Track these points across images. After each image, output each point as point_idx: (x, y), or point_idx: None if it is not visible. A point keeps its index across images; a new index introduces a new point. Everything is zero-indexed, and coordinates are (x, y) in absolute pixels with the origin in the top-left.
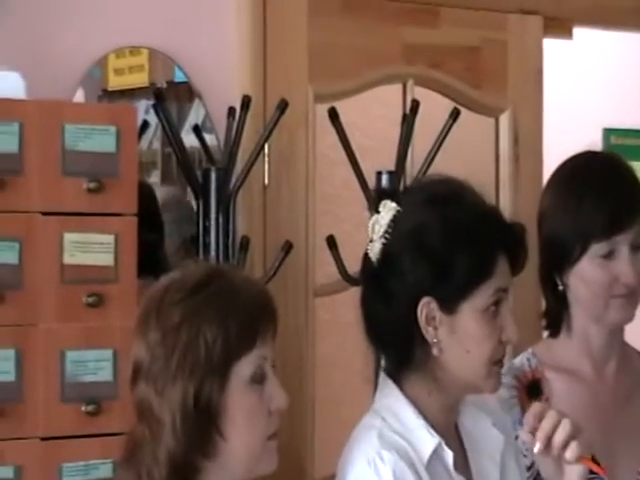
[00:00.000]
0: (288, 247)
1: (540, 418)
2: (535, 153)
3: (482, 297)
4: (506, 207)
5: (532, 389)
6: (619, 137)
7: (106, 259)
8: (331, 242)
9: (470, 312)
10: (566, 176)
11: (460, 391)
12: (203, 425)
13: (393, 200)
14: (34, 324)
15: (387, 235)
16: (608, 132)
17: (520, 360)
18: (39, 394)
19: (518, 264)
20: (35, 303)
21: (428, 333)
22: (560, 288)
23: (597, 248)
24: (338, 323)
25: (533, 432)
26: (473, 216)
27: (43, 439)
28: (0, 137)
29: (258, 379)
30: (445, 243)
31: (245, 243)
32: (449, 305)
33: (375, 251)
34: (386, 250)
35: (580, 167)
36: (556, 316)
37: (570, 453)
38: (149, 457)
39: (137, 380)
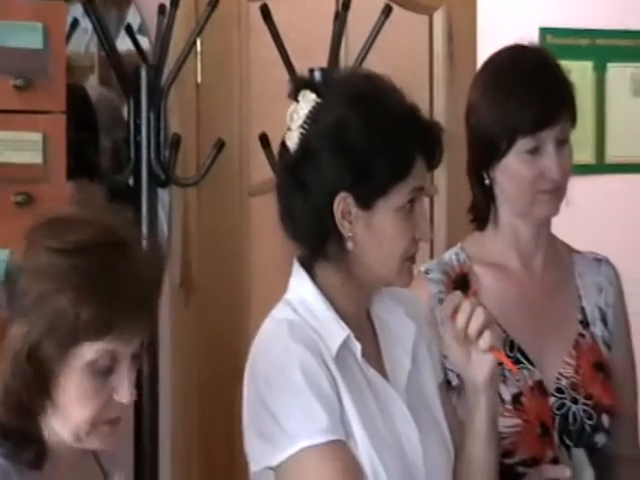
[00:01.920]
0: (220, 145)
1: (457, 307)
2: (469, 52)
3: (398, 196)
4: (440, 105)
5: (460, 283)
6: (556, 37)
7: (35, 157)
8: (264, 141)
9: (385, 209)
10: (494, 70)
11: (372, 284)
12: (32, 380)
13: (313, 91)
14: None
15: (305, 126)
16: (544, 31)
17: (449, 255)
18: None
19: (434, 162)
20: None
21: (343, 227)
22: (487, 182)
23: (523, 143)
24: (274, 222)
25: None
26: (394, 116)
27: None
28: None
29: (99, 369)
30: (365, 142)
31: (176, 141)
32: (365, 202)
33: (293, 141)
34: (304, 142)
35: (508, 62)
36: (482, 210)
37: (483, 342)
38: None
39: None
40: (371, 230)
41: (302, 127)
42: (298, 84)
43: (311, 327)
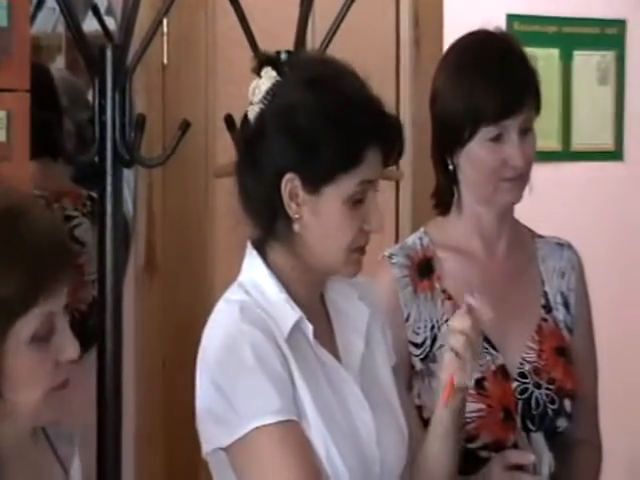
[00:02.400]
0: (185, 126)
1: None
2: (436, 37)
3: (346, 185)
4: (406, 90)
5: (423, 268)
6: (522, 24)
7: None
8: (230, 122)
9: (333, 198)
10: (458, 56)
11: (319, 271)
12: None
13: (274, 69)
14: None
15: (264, 101)
16: (511, 18)
17: (412, 239)
18: None
19: (392, 157)
20: None
21: (290, 208)
22: (450, 168)
23: (486, 131)
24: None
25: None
26: (347, 103)
27: None
28: None
29: (42, 336)
30: (312, 125)
31: (141, 121)
32: (312, 186)
33: (254, 115)
34: (259, 118)
35: (473, 47)
36: (446, 195)
37: (447, 368)
38: None
39: None
40: (317, 216)
41: (262, 102)
42: (262, 60)
43: (263, 309)
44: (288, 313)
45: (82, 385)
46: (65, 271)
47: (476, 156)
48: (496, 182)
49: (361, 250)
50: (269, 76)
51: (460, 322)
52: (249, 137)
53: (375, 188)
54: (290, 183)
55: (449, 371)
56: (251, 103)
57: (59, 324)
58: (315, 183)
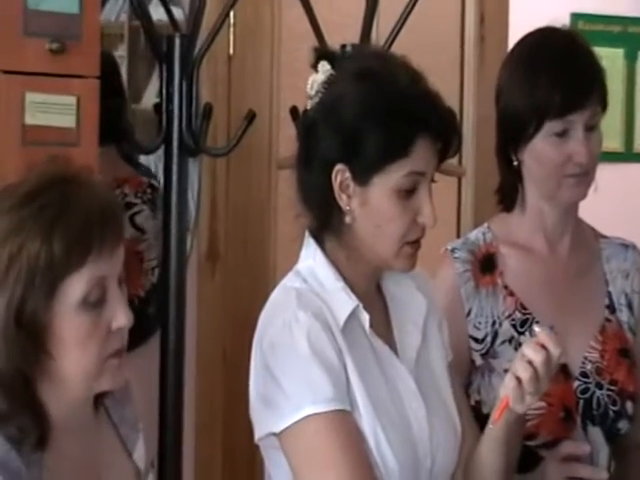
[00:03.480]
0: (251, 116)
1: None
2: (501, 35)
3: (394, 175)
4: (471, 87)
5: (485, 263)
6: (586, 23)
7: (68, 121)
8: (294, 113)
9: (382, 188)
10: (524, 52)
11: (374, 264)
12: (27, 344)
13: (329, 62)
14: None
15: (320, 95)
16: (576, 17)
17: (475, 235)
18: None
19: (447, 150)
20: None
21: (342, 200)
22: (515, 164)
23: (551, 126)
24: None
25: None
26: (395, 94)
27: None
28: None
29: (92, 302)
30: (359, 117)
31: (208, 110)
32: (361, 176)
33: (311, 107)
34: (312, 113)
35: (539, 43)
36: (510, 191)
37: (505, 388)
38: None
39: None
40: (367, 207)
41: (317, 96)
42: (318, 54)
43: (319, 297)
44: (345, 301)
45: (143, 372)
46: (114, 236)
47: (541, 151)
48: (560, 178)
49: (415, 244)
50: (325, 70)
51: (534, 353)
52: (304, 130)
53: (428, 181)
54: (340, 174)
55: (507, 392)
56: (309, 98)
57: (112, 291)
58: (364, 174)
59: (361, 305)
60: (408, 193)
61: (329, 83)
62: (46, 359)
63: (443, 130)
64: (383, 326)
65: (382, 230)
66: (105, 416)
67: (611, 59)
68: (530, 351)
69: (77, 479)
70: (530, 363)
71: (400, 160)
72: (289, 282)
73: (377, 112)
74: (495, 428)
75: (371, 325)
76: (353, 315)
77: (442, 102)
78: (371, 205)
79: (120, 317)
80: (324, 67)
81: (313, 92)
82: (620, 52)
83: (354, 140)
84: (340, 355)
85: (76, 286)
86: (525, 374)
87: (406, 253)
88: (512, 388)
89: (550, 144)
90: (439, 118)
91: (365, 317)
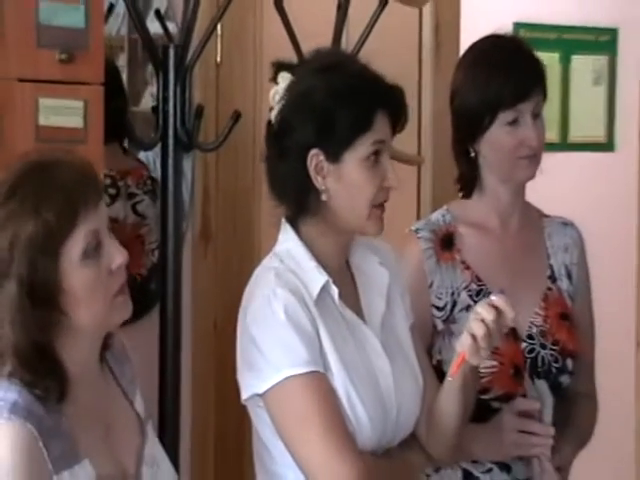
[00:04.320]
0: (237, 116)
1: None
2: (454, 41)
3: (362, 147)
4: (428, 88)
5: (446, 241)
6: (527, 31)
7: (77, 122)
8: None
9: (352, 161)
10: (476, 55)
11: (347, 231)
12: (43, 313)
13: (289, 72)
14: None
15: (282, 101)
16: (518, 26)
17: (436, 216)
18: None
19: (399, 123)
20: (13, 159)
21: (317, 181)
22: (472, 155)
23: (504, 116)
24: None
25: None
26: (354, 78)
27: None
28: None
29: (91, 252)
30: (327, 101)
31: (199, 111)
32: (334, 155)
33: (274, 114)
34: (281, 113)
35: (489, 47)
36: (469, 179)
37: (461, 344)
38: None
39: None
40: (341, 181)
41: (280, 103)
42: (277, 67)
43: (295, 274)
44: (316, 278)
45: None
46: (94, 194)
47: (496, 139)
48: (515, 160)
49: (381, 207)
50: (285, 79)
51: (486, 312)
52: (275, 131)
53: (388, 149)
54: (315, 158)
55: (463, 348)
56: (271, 109)
57: (104, 238)
58: (337, 152)
59: (331, 280)
60: (374, 162)
61: (293, 84)
62: (62, 319)
63: (396, 104)
64: (351, 297)
65: (355, 198)
66: (108, 371)
67: (548, 62)
68: (483, 310)
69: (90, 424)
70: (483, 321)
71: (366, 133)
72: (268, 263)
73: (343, 95)
74: (453, 380)
75: (340, 297)
76: (324, 289)
77: (389, 80)
78: (344, 179)
79: (117, 257)
80: (284, 77)
81: (275, 102)
82: (556, 56)
83: (327, 123)
84: (314, 324)
85: (74, 245)
86: (479, 331)
87: (375, 215)
88: (468, 344)
89: (504, 132)
90: (392, 94)
91: (335, 290)
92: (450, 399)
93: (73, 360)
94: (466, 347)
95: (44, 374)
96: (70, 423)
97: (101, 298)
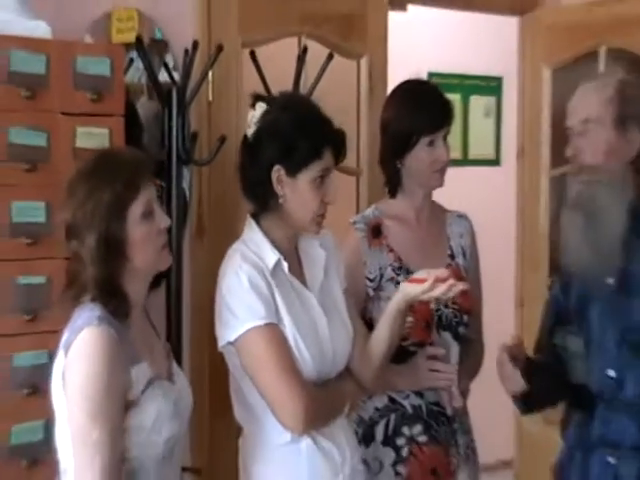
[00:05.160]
0: (223, 139)
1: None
2: (382, 84)
3: (312, 171)
4: (364, 121)
5: (375, 231)
6: (437, 78)
7: (104, 144)
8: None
9: (304, 179)
10: (403, 94)
11: (297, 228)
12: (114, 257)
13: (264, 102)
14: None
15: (258, 124)
16: (431, 75)
17: (368, 212)
18: None
19: (340, 156)
20: (58, 174)
21: (277, 188)
22: (398, 167)
23: (424, 140)
24: None
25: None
26: (312, 118)
27: None
28: (34, 63)
29: (147, 214)
30: (291, 132)
31: (195, 136)
32: (291, 173)
33: (251, 133)
34: (256, 133)
35: (411, 88)
36: (394, 185)
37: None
38: (81, 283)
39: (69, 236)
40: (295, 192)
41: (256, 124)
42: (254, 99)
43: (255, 254)
44: (271, 256)
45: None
46: (149, 174)
47: (418, 156)
48: (430, 173)
49: (322, 216)
50: (261, 107)
51: (420, 273)
52: (249, 146)
53: (330, 175)
54: (277, 172)
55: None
56: (249, 126)
57: (155, 207)
58: (293, 171)
59: (282, 258)
60: (319, 183)
61: (266, 113)
62: (126, 262)
63: (340, 143)
64: (298, 270)
65: (303, 208)
66: (145, 314)
67: (453, 100)
68: (417, 274)
69: (142, 340)
70: (423, 279)
71: (317, 161)
72: (235, 246)
73: (303, 130)
74: (391, 308)
75: (290, 270)
76: (277, 265)
77: (335, 125)
78: (297, 191)
79: (164, 221)
80: (260, 106)
81: (252, 122)
82: (458, 96)
83: (289, 149)
84: (270, 290)
85: (136, 209)
86: (422, 288)
87: (316, 221)
88: (421, 290)
89: (424, 151)
90: (338, 135)
91: (285, 265)
92: (385, 325)
93: (132, 291)
94: (419, 289)
95: (115, 299)
96: (131, 335)
97: (152, 249)
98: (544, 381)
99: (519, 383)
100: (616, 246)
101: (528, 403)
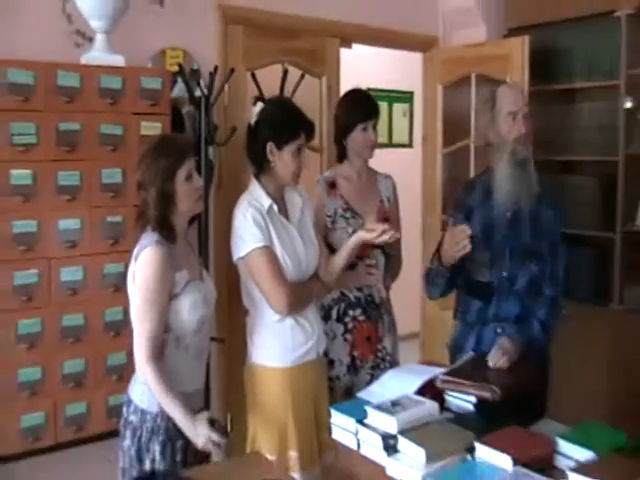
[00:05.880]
0: (234, 129)
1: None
2: (336, 94)
3: (293, 146)
4: (325, 118)
5: (331, 185)
6: (373, 92)
7: (157, 133)
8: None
9: (287, 151)
10: (348, 98)
11: (283, 183)
12: (167, 202)
13: (262, 102)
14: (131, 158)
15: (257, 115)
16: (368, 89)
17: (327, 174)
18: None
19: (310, 137)
20: (130, 152)
21: (270, 157)
22: (344, 144)
23: (360, 126)
24: None
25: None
26: (292, 111)
27: None
28: (114, 82)
29: (188, 177)
30: (278, 121)
31: (216, 127)
32: (279, 147)
33: (252, 122)
34: (256, 122)
35: (351, 93)
36: (341, 155)
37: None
38: (146, 218)
39: (139, 188)
40: (281, 160)
41: (255, 116)
42: (255, 100)
43: (256, 200)
44: (266, 202)
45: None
46: (190, 151)
47: (356, 138)
48: (364, 148)
49: (298, 175)
50: (259, 105)
51: (375, 225)
52: (251, 131)
53: (304, 149)
54: (269, 146)
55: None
56: (251, 118)
57: (194, 172)
58: (281, 146)
59: (273, 203)
60: (297, 154)
61: (262, 109)
62: (174, 207)
63: (311, 129)
64: (284, 211)
65: (287, 169)
66: (186, 239)
67: (382, 106)
68: (368, 224)
69: (184, 257)
70: (371, 229)
71: (296, 139)
72: (243, 196)
73: (287, 119)
74: (351, 242)
75: (279, 211)
76: (271, 207)
77: (310, 118)
78: (282, 159)
79: (199, 182)
80: (258, 104)
81: (253, 114)
82: (386, 103)
83: (278, 132)
84: (266, 224)
85: (181, 173)
86: (370, 234)
87: (295, 178)
88: (371, 237)
89: (360, 134)
90: (310, 124)
91: (275, 207)
92: (345, 252)
93: (177, 225)
94: (370, 237)
95: (166, 229)
96: (176, 253)
97: (192, 199)
98: (457, 271)
99: (467, 246)
100: (532, 187)
101: (444, 284)
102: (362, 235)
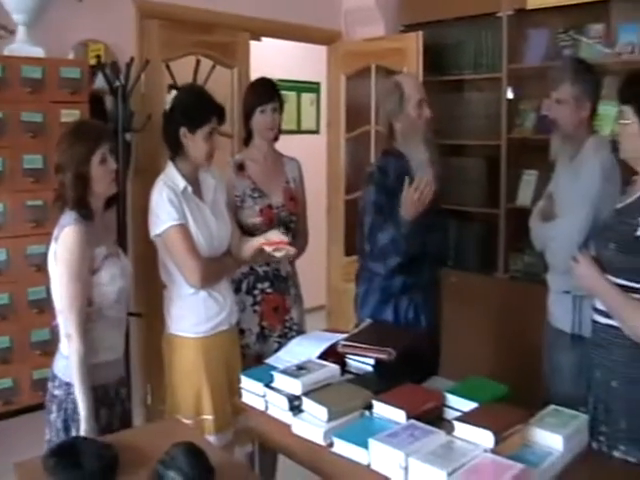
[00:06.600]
0: (149, 116)
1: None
2: (246, 83)
3: (205, 130)
4: (235, 102)
5: (240, 167)
6: (282, 82)
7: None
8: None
9: (200, 135)
10: (254, 85)
11: (196, 165)
12: (83, 184)
13: (176, 89)
14: (51, 145)
15: (171, 102)
16: (278, 80)
17: (236, 157)
18: None
19: (221, 121)
20: (50, 138)
21: (183, 141)
22: (250, 128)
23: (260, 108)
24: None
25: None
26: (203, 97)
27: None
28: (35, 72)
29: (103, 161)
30: (191, 107)
31: (132, 114)
32: (192, 131)
33: (167, 108)
34: (170, 108)
35: (255, 81)
36: (247, 137)
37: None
38: (64, 199)
39: (57, 171)
40: (194, 142)
41: (170, 103)
42: (169, 87)
43: (172, 182)
44: (181, 183)
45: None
46: (106, 136)
47: (259, 120)
48: (264, 130)
49: (211, 157)
50: (173, 93)
51: (278, 237)
52: (166, 116)
53: (215, 132)
54: (183, 130)
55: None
56: (166, 105)
57: (108, 156)
58: (193, 130)
59: (188, 184)
60: (209, 137)
61: (176, 96)
62: (89, 189)
63: (221, 113)
64: (198, 191)
65: (200, 152)
66: (102, 219)
67: (290, 96)
68: (273, 236)
69: (101, 235)
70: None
71: (208, 123)
72: (159, 178)
73: (197, 104)
74: (254, 245)
75: (193, 192)
76: (185, 189)
77: (220, 103)
78: (195, 142)
79: (113, 166)
80: (172, 91)
81: (168, 102)
82: (294, 93)
83: (190, 117)
84: (181, 203)
85: (96, 157)
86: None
87: (209, 159)
88: (269, 249)
89: (260, 117)
90: (220, 108)
91: (189, 188)
92: (250, 250)
93: (94, 205)
94: (269, 249)
95: (84, 209)
96: (94, 231)
97: (106, 182)
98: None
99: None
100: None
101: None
102: (261, 242)
